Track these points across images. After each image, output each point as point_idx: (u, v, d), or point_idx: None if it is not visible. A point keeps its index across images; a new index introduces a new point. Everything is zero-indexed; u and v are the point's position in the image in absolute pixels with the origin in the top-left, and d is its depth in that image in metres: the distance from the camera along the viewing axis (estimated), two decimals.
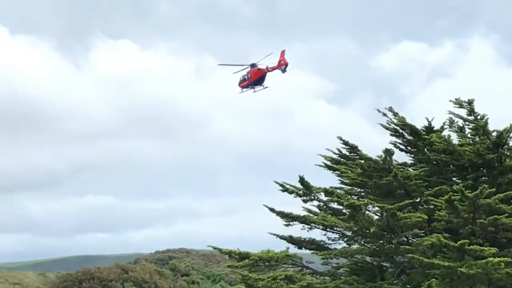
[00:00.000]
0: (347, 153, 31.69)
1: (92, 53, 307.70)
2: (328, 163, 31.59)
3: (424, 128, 31.01)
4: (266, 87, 50.74)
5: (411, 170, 30.69)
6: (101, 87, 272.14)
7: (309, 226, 30.38)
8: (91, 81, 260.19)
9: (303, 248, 31.18)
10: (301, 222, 30.47)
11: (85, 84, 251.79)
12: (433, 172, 30.40)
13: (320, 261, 29.87)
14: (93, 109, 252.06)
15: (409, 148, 31.69)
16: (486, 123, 29.91)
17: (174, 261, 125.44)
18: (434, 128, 31.07)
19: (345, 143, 31.46)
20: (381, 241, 28.41)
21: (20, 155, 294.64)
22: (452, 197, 26.20)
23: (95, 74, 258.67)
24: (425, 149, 30.82)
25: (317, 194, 30.55)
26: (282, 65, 48.81)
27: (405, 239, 28.21)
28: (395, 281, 28.19)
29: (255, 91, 51.16)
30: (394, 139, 31.65)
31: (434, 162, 30.62)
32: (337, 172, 31.32)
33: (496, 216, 26.40)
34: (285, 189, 30.79)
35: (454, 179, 30.66)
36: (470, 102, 30.51)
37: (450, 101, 30.85)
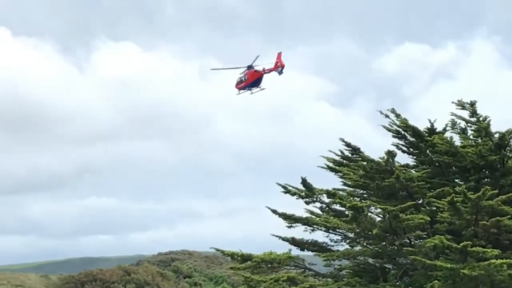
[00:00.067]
0: (350, 155, 31.69)
1: (94, 55, 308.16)
2: (331, 164, 31.59)
3: (426, 130, 31.01)
4: (263, 89, 51.00)
5: (414, 171, 30.68)
6: (104, 89, 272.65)
7: (312, 228, 30.38)
8: (93, 83, 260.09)
9: (305, 250, 31.16)
10: (304, 224, 30.48)
11: (87, 86, 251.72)
12: (435, 174, 30.39)
13: (322, 262, 29.86)
14: (95, 111, 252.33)
15: (411, 149, 31.68)
16: (489, 124, 29.91)
17: (176, 263, 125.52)
18: (437, 130, 31.06)
19: (348, 144, 31.46)
20: (384, 243, 28.41)
21: (23, 157, 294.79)
22: (455, 199, 26.19)
23: (98, 76, 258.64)
24: (428, 151, 30.80)
25: (319, 196, 30.56)
26: (279, 67, 49.07)
27: (408, 241, 28.22)
28: (397, 283, 28.19)
29: (252, 93, 51.41)
30: (396, 140, 31.67)
31: (437, 164, 30.61)
32: (339, 173, 31.32)
33: (498, 217, 26.38)
34: (287, 191, 30.79)
35: (456, 180, 30.65)
36: (472, 104, 30.52)
37: (453, 102, 30.90)
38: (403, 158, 31.69)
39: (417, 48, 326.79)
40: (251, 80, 50.73)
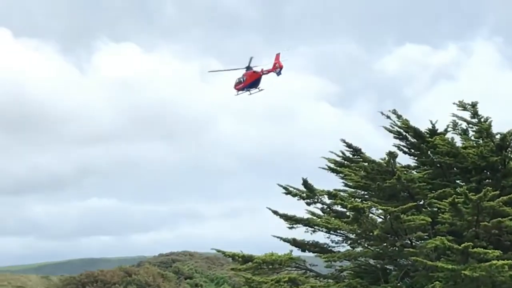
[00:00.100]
0: (351, 156, 31.70)
1: (95, 56, 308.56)
2: (332, 165, 31.60)
3: (427, 131, 31.01)
4: (261, 90, 51.21)
5: (415, 172, 30.69)
6: (104, 90, 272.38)
7: (313, 229, 30.37)
8: (94, 84, 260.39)
9: (306, 251, 31.16)
10: (305, 225, 30.48)
11: (88, 87, 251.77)
12: (436, 175, 30.38)
13: (323, 263, 29.86)
14: (96, 111, 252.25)
15: (412, 150, 31.67)
16: (490, 125, 29.90)
17: (177, 264, 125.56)
18: (438, 131, 31.07)
19: (349, 145, 31.47)
20: (385, 244, 28.39)
21: (24, 158, 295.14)
22: (456, 200, 26.18)
23: (98, 76, 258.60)
24: (429, 152, 30.80)
25: (320, 197, 30.56)
26: (277, 68, 49.31)
27: (409, 242, 28.20)
28: (398, 284, 28.17)
29: (250, 94, 51.65)
30: (397, 141, 31.68)
31: (438, 165, 30.60)
32: (340, 174, 31.33)
33: (499, 218, 26.37)
34: (288, 192, 30.80)
35: (457, 181, 30.64)
36: (473, 105, 30.50)
37: (454, 103, 30.87)
38: (404, 159, 31.74)
39: (418, 49, 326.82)
40: (250, 81, 50.97)
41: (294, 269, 30.34)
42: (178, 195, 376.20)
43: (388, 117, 31.09)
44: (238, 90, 52.07)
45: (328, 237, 30.40)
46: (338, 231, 29.67)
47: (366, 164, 30.44)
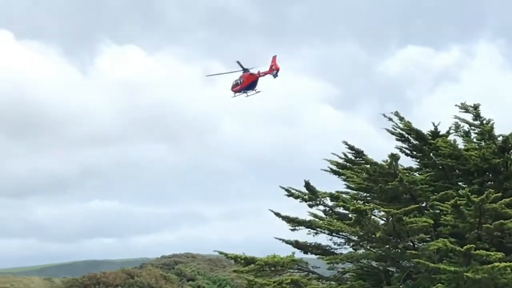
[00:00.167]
0: (353, 158, 31.70)
1: (99, 58, 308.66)
2: (334, 167, 31.61)
3: (430, 133, 31.02)
4: (258, 92, 51.48)
5: (417, 174, 30.67)
6: (107, 92, 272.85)
7: (315, 231, 30.38)
8: (97, 86, 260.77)
9: (309, 253, 31.18)
10: (307, 227, 30.49)
11: (91, 89, 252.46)
12: (439, 177, 30.38)
13: (326, 266, 29.87)
14: (99, 114, 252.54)
15: (415, 152, 31.68)
16: (492, 127, 29.88)
17: (180, 266, 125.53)
18: (440, 133, 31.05)
19: (351, 147, 31.48)
20: (387, 246, 28.40)
21: (26, 160, 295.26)
22: (458, 202, 26.18)
23: (101, 79, 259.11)
24: (431, 154, 30.80)
25: (322, 199, 30.58)
26: (274, 70, 49.62)
27: (411, 244, 28.18)
28: (401, 286, 28.17)
29: (247, 96, 51.88)
30: (400, 143, 31.70)
31: (440, 167, 30.60)
32: (342, 176, 31.34)
33: (502, 220, 26.35)
34: (290, 194, 30.82)
35: (460, 183, 30.64)
36: (476, 107, 30.49)
37: (456, 105, 30.84)
38: (406, 161, 31.74)
39: (421, 51, 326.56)
40: (247, 83, 51.28)
41: (297, 271, 30.36)
42: (180, 196, 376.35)
43: (391, 119, 31.12)
44: (235, 92, 52.39)
45: (330, 239, 30.44)
46: (341, 233, 29.69)
47: (368, 166, 30.45)
